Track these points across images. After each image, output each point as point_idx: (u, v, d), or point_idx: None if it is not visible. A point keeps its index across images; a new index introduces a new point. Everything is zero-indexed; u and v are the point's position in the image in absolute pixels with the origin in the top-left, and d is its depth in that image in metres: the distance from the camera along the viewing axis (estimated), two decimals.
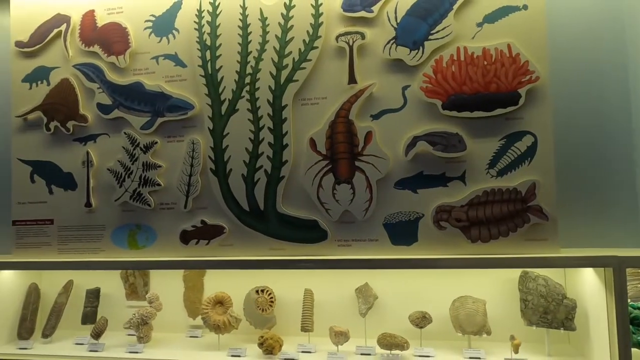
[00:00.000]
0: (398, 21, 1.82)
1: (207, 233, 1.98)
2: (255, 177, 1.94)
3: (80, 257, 2.10)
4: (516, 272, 1.87)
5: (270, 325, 2.06)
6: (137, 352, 2.01)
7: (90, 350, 2.05)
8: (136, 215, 2.06)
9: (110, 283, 2.27)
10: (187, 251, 2.00)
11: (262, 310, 2.05)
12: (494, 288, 1.93)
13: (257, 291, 2.07)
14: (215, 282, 2.17)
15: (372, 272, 2.00)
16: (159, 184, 2.03)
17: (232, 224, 1.96)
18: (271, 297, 2.06)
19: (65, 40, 2.13)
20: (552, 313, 1.76)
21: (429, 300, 1.95)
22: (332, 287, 2.06)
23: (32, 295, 2.27)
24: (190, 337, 2.17)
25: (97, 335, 2.09)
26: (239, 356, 1.91)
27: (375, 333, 1.88)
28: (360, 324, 1.95)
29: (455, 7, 1.77)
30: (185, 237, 2.00)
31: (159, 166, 2.03)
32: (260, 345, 1.91)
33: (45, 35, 2.15)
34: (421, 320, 1.90)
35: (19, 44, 2.19)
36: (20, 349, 2.11)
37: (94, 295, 2.24)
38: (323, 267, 1.81)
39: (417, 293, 1.98)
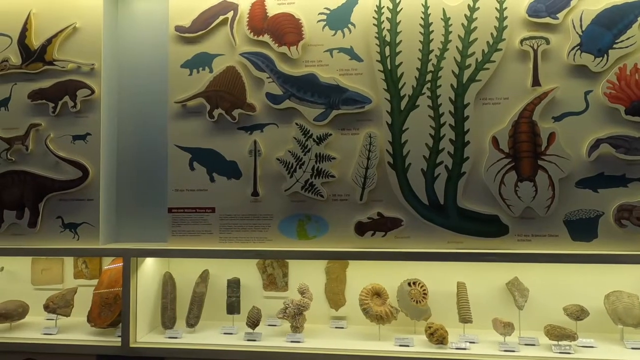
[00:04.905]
0: (583, 29, 1.92)
1: (383, 225, 2.01)
2: (435, 172, 1.99)
3: (244, 246, 2.09)
4: None
5: (426, 317, 2.11)
6: (299, 342, 2.02)
7: (248, 340, 2.05)
8: (306, 205, 2.07)
9: (245, 273, 2.26)
10: (361, 242, 2.03)
11: (417, 302, 2.10)
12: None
13: (409, 283, 2.12)
14: (356, 275, 2.20)
15: (519, 267, 2.07)
16: (332, 176, 2.05)
17: (410, 217, 2.01)
18: (424, 289, 2.12)
19: (232, 28, 2.11)
20: None
21: (574, 294, 2.04)
22: (478, 281, 2.13)
23: (168, 284, 2.24)
24: (336, 327, 2.19)
25: (253, 325, 2.09)
26: (407, 345, 1.96)
27: (526, 325, 1.99)
28: (511, 316, 2.00)
29: (639, 18, 1.89)
30: (361, 229, 2.03)
31: (333, 158, 2.05)
32: (431, 335, 1.96)
33: (209, 22, 2.13)
34: (581, 313, 2.00)
35: (179, 28, 2.15)
36: (170, 337, 2.09)
37: (235, 285, 2.23)
38: (508, 260, 1.90)
39: (564, 287, 2.06)
